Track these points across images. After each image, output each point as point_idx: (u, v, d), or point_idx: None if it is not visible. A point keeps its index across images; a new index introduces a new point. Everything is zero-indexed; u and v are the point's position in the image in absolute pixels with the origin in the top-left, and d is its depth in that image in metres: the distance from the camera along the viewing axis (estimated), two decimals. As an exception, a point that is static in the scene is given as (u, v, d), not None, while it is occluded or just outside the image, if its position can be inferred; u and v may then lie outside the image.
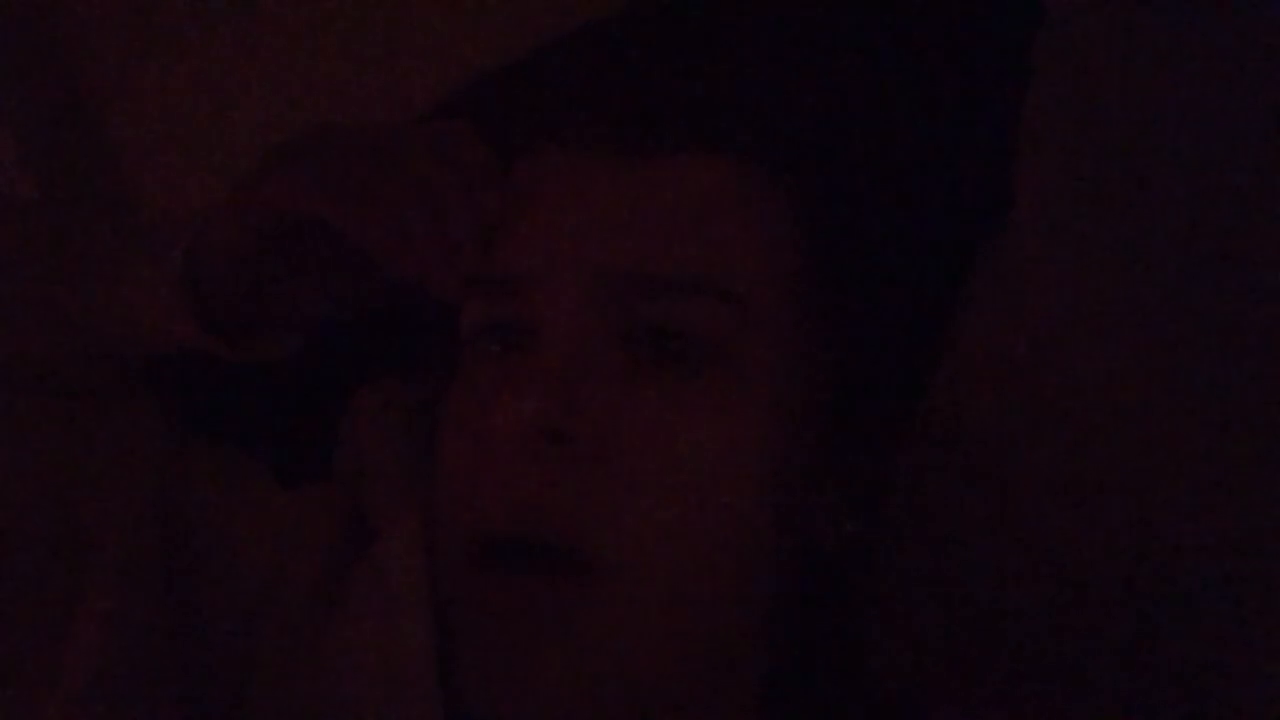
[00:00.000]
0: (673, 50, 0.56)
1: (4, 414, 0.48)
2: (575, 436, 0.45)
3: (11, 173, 0.68)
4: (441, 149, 0.49)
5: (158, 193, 0.75)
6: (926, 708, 0.53)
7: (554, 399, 0.45)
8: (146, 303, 0.49)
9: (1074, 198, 0.51)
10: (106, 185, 0.75)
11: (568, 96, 0.53)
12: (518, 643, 0.45)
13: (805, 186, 0.52)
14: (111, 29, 0.74)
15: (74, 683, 0.45)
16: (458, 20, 0.72)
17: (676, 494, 0.46)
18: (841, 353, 0.52)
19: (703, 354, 0.47)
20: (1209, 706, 0.48)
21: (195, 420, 0.53)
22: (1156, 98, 0.49)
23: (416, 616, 0.48)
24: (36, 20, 0.73)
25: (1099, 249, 0.50)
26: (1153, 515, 0.49)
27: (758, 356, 0.48)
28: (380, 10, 0.73)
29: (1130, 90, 0.50)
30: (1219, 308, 0.48)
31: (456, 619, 0.48)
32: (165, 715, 0.48)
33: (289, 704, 0.49)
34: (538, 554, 0.45)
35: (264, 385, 0.54)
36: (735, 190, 0.50)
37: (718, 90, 0.53)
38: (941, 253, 0.56)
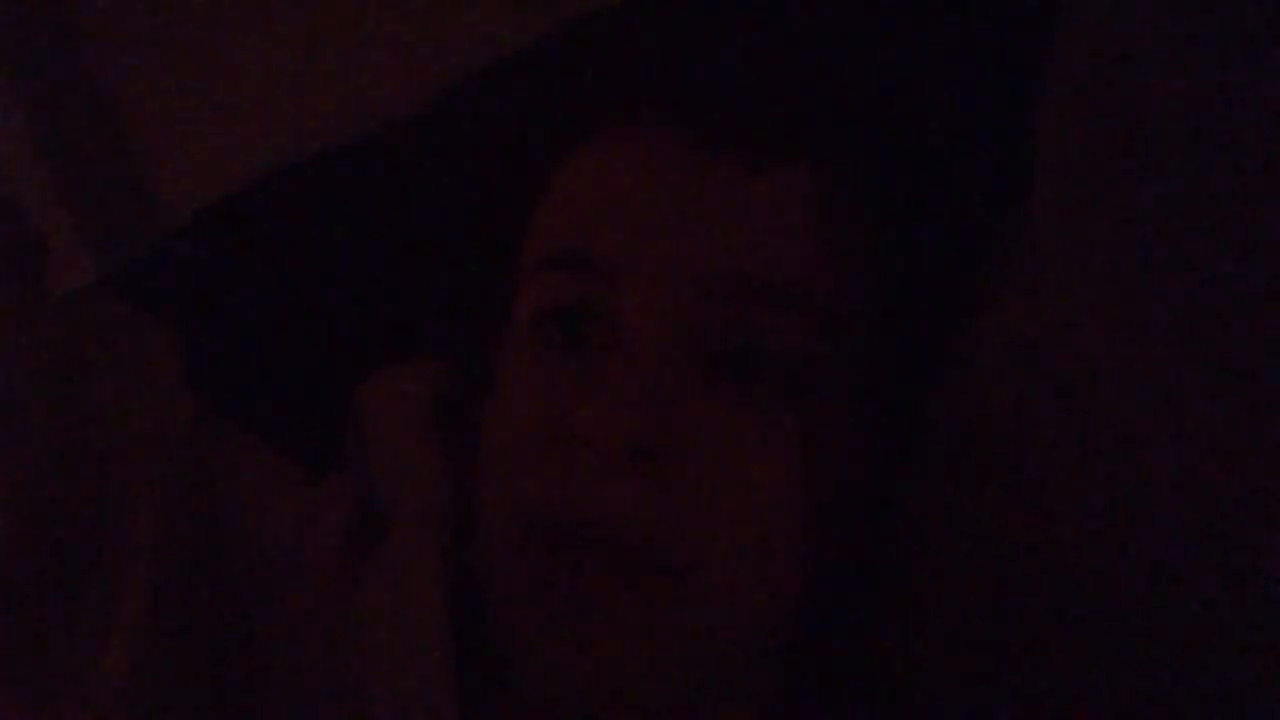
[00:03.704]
0: (796, 52, 0.53)
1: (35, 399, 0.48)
2: (661, 452, 0.45)
3: (25, 165, 0.68)
4: None
5: (176, 183, 0.75)
6: (943, 704, 0.52)
7: (646, 416, 0.45)
8: None
9: (1094, 181, 0.51)
10: (123, 176, 0.76)
11: (687, 71, 0.50)
12: (582, 624, 0.45)
13: (895, 206, 0.51)
14: (128, 18, 0.75)
15: (111, 679, 0.45)
16: (485, 15, 0.71)
17: (750, 508, 0.46)
18: (902, 371, 0.51)
19: (788, 373, 0.47)
20: (1230, 707, 0.47)
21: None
22: (1180, 83, 0.49)
23: (433, 610, 0.48)
24: (51, 11, 0.73)
25: (1120, 234, 0.50)
26: (1175, 511, 0.48)
27: (838, 378, 0.48)
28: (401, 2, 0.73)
29: (1154, 74, 0.49)
30: (1240, 304, 0.47)
31: (507, 602, 0.47)
32: (194, 707, 0.48)
33: (304, 698, 0.49)
34: (613, 548, 0.45)
35: (269, 373, 0.54)
36: (836, 210, 0.48)
37: (845, 109, 0.51)
38: (979, 263, 0.55)
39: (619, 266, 0.47)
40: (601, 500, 0.45)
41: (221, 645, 0.49)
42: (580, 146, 0.50)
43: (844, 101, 0.52)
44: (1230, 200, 0.48)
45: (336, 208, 0.63)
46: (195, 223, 0.64)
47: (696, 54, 0.51)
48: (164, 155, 0.74)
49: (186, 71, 0.74)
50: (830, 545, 0.49)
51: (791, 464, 0.47)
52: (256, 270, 0.62)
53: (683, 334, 0.46)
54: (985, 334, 0.52)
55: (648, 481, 0.45)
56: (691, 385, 0.46)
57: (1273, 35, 0.47)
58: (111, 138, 0.74)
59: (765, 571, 0.47)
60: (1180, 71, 0.49)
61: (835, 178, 0.49)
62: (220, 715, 0.49)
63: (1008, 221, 0.53)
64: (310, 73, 0.73)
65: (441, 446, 0.52)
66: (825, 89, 0.51)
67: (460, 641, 0.49)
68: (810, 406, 0.47)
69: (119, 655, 0.45)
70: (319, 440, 0.56)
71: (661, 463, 0.45)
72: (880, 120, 0.53)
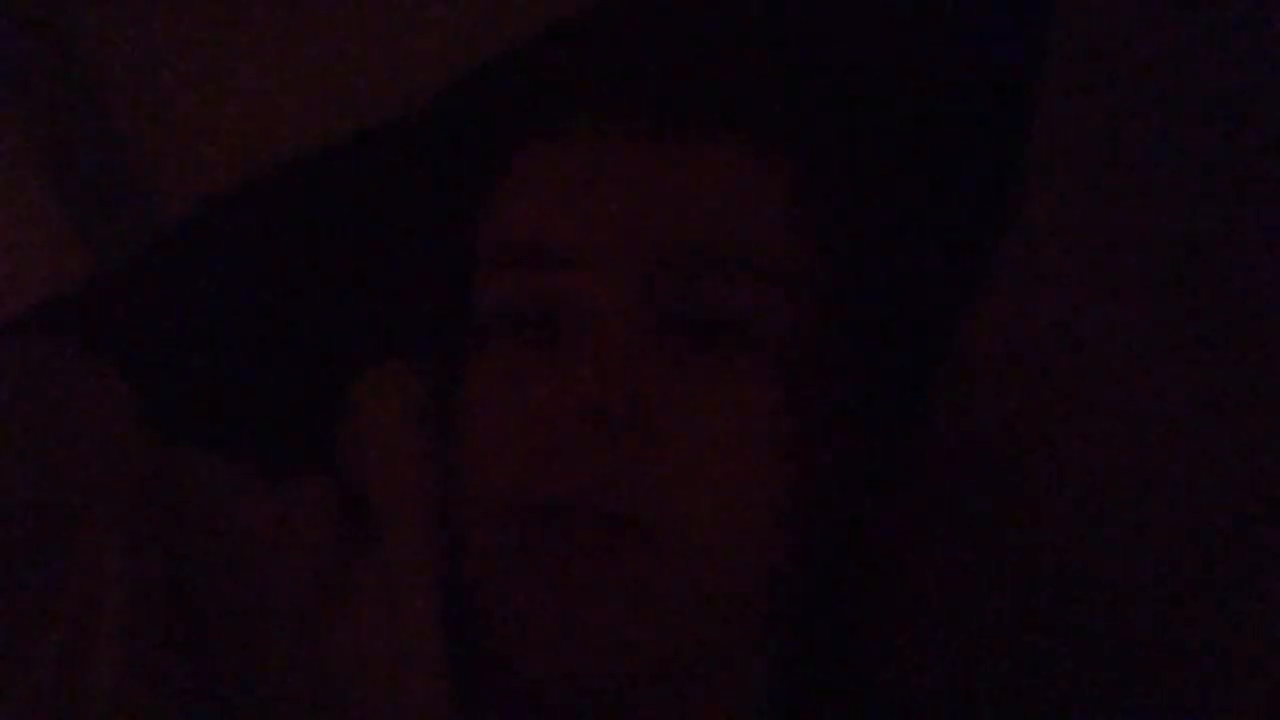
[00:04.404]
0: (714, 33, 0.55)
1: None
2: (622, 417, 0.46)
3: (19, 169, 0.69)
4: None
5: (171, 186, 0.76)
6: (934, 705, 0.52)
7: (609, 384, 0.46)
8: None
9: (1092, 182, 0.50)
10: (118, 179, 0.76)
11: (608, 72, 0.52)
12: (565, 595, 0.45)
13: (839, 177, 0.52)
14: (124, 21, 0.75)
15: (96, 700, 0.45)
16: (470, 13, 0.71)
17: (715, 468, 0.47)
18: (867, 337, 0.52)
19: (741, 334, 0.48)
20: (1229, 707, 0.47)
21: (182, 414, 0.52)
22: (1181, 83, 0.49)
23: (428, 607, 0.48)
24: (47, 14, 0.74)
25: (1118, 234, 0.49)
26: (1167, 512, 0.48)
27: (793, 337, 0.49)
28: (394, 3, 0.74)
29: (1155, 75, 0.49)
30: (1235, 302, 0.47)
31: (493, 584, 0.47)
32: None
33: (295, 703, 0.49)
34: (591, 516, 0.45)
35: (260, 374, 0.54)
36: (775, 176, 0.50)
37: (766, 79, 0.53)
38: (958, 247, 0.55)
39: (573, 252, 0.48)
40: (571, 471, 0.45)
41: (210, 647, 0.49)
42: (530, 144, 0.51)
43: (777, 76, 0.53)
44: (1229, 200, 0.48)
45: (308, 211, 0.64)
46: (167, 233, 0.65)
47: (628, 48, 0.53)
48: (161, 156, 0.75)
49: (184, 72, 0.75)
50: (813, 513, 0.50)
51: (764, 426, 0.48)
52: (233, 273, 0.63)
53: (641, 307, 0.47)
54: (984, 333, 0.52)
55: (616, 449, 0.46)
56: (657, 354, 0.47)
57: (1269, 36, 0.47)
58: (109, 138, 0.74)
59: (743, 533, 0.47)
60: (1180, 70, 0.48)
61: (775, 149, 0.50)
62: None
63: (973, 195, 0.54)
64: (308, 70, 0.73)
65: (433, 444, 0.52)
66: (756, 68, 0.53)
67: (457, 640, 0.49)
68: (780, 369, 0.48)
69: (102, 677, 0.45)
70: (302, 443, 0.56)
71: (629, 429, 0.46)
72: (817, 92, 0.54)
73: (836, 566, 0.52)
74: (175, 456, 0.51)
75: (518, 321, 0.49)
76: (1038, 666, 0.50)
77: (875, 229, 0.53)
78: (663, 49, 0.52)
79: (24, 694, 0.45)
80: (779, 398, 0.48)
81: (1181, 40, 0.49)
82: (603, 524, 0.45)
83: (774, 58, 0.54)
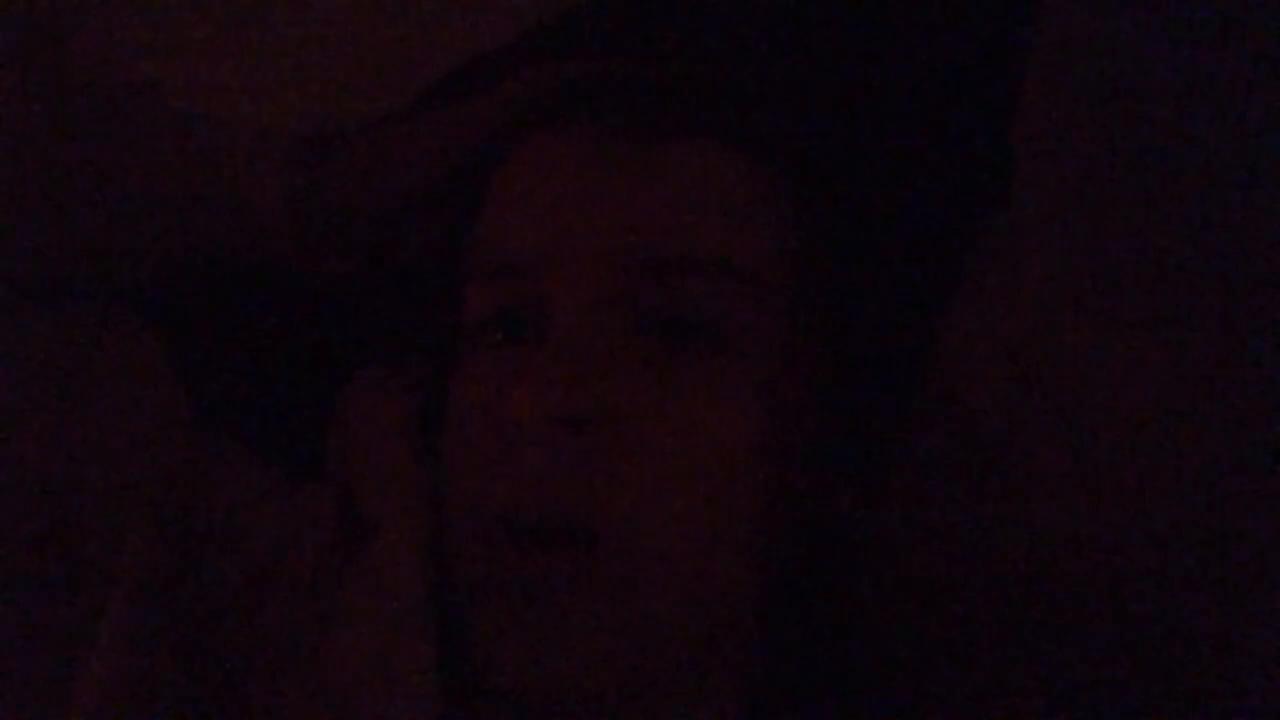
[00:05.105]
0: (681, 36, 0.55)
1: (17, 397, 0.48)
2: (593, 423, 0.46)
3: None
4: None
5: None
6: (921, 702, 0.53)
7: (573, 388, 0.46)
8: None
9: (1073, 180, 0.50)
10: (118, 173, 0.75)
11: (577, 79, 0.54)
12: (538, 613, 0.46)
13: (811, 174, 0.53)
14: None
15: (94, 688, 0.46)
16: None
17: (689, 473, 0.47)
18: (844, 338, 0.52)
19: (712, 336, 0.48)
20: (1218, 702, 0.47)
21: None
22: (1158, 80, 0.48)
23: (416, 614, 0.49)
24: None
25: (1099, 232, 0.49)
26: (1156, 506, 0.48)
27: (765, 339, 0.49)
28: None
29: (1131, 72, 0.49)
30: (1222, 292, 0.47)
31: (473, 598, 0.48)
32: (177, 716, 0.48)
33: (287, 702, 0.49)
34: (559, 533, 0.46)
35: (251, 374, 0.55)
36: (744, 177, 0.50)
37: (730, 79, 0.54)
38: (941, 237, 0.56)
39: (544, 261, 0.49)
40: (541, 486, 0.46)
41: (205, 651, 0.49)
42: (508, 158, 0.52)
43: (751, 80, 0.54)
44: (1216, 200, 0.48)
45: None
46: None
47: (599, 58, 0.54)
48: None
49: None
50: (789, 519, 0.50)
51: (738, 430, 0.48)
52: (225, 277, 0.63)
53: (610, 311, 0.48)
54: (970, 335, 0.53)
55: (586, 459, 0.46)
56: (628, 358, 0.48)
57: (1257, 36, 0.47)
58: (105, 135, 0.74)
59: (716, 541, 0.48)
60: (1168, 71, 0.48)
61: (747, 152, 0.51)
62: None
63: (950, 197, 0.54)
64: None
65: (421, 448, 0.53)
66: (730, 72, 0.54)
67: (445, 643, 0.49)
68: (753, 372, 0.49)
69: (102, 665, 0.46)
70: (305, 443, 0.56)
71: (599, 433, 0.46)
72: (793, 96, 0.55)
73: (816, 570, 0.53)
74: (204, 449, 0.52)
75: (495, 331, 0.50)
76: (1023, 666, 0.50)
77: (850, 231, 0.54)
78: (635, 56, 0.54)
79: (20, 689, 0.45)
80: (753, 401, 0.48)
81: (1169, 36, 0.49)
82: (573, 541, 0.46)
83: (747, 62, 0.55)
